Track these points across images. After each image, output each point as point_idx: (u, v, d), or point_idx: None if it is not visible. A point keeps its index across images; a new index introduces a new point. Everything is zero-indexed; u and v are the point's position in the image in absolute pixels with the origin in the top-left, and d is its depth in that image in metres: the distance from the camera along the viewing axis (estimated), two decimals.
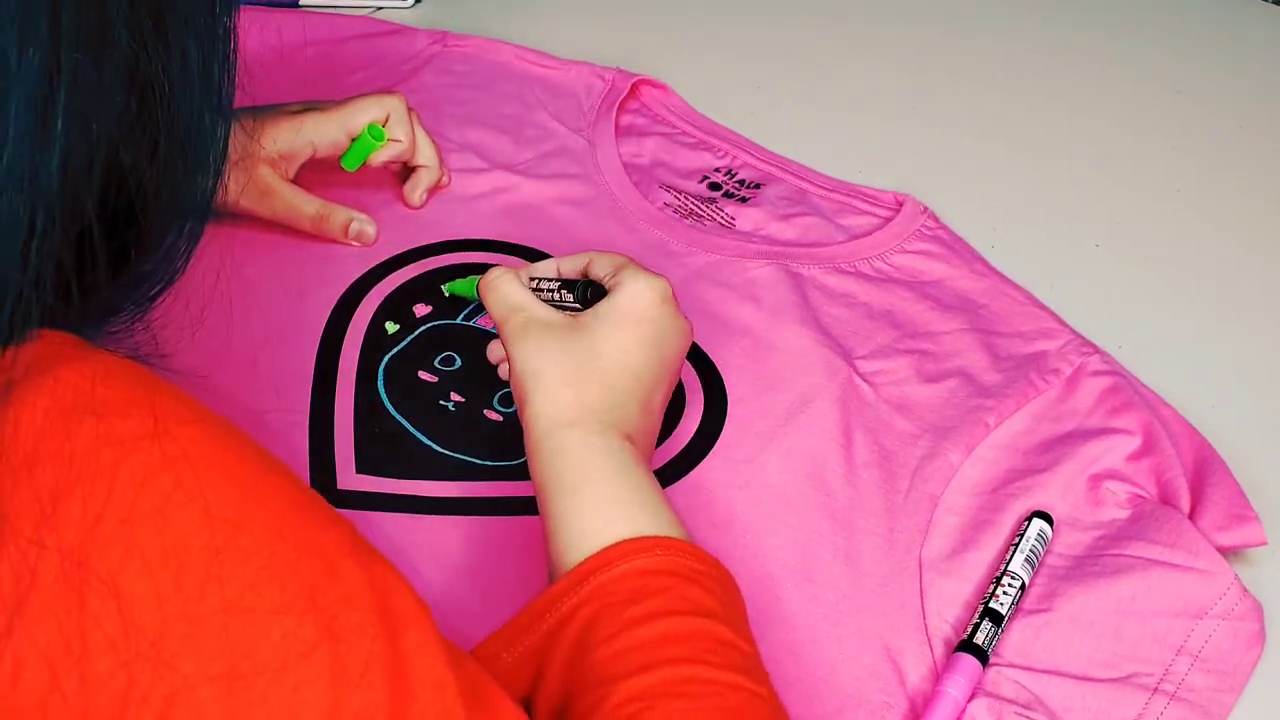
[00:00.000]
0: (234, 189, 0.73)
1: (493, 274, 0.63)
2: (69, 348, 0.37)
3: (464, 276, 0.74)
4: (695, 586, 0.50)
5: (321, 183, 0.78)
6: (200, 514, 0.36)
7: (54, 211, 0.36)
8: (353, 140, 0.76)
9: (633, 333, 0.59)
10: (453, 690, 0.38)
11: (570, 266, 0.65)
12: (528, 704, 0.49)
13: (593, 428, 0.55)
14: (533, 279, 0.64)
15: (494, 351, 0.67)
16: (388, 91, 0.78)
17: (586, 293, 0.62)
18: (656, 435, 0.61)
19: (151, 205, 0.41)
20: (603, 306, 0.60)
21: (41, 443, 0.35)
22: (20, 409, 0.35)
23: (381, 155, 0.77)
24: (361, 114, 0.76)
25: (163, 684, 0.34)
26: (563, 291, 0.63)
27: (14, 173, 0.35)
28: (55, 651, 0.33)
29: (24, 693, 0.33)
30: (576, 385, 0.57)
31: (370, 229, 0.77)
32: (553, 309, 0.61)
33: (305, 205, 0.76)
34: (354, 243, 0.77)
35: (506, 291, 0.62)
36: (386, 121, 0.77)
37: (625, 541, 0.51)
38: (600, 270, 0.63)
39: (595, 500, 0.53)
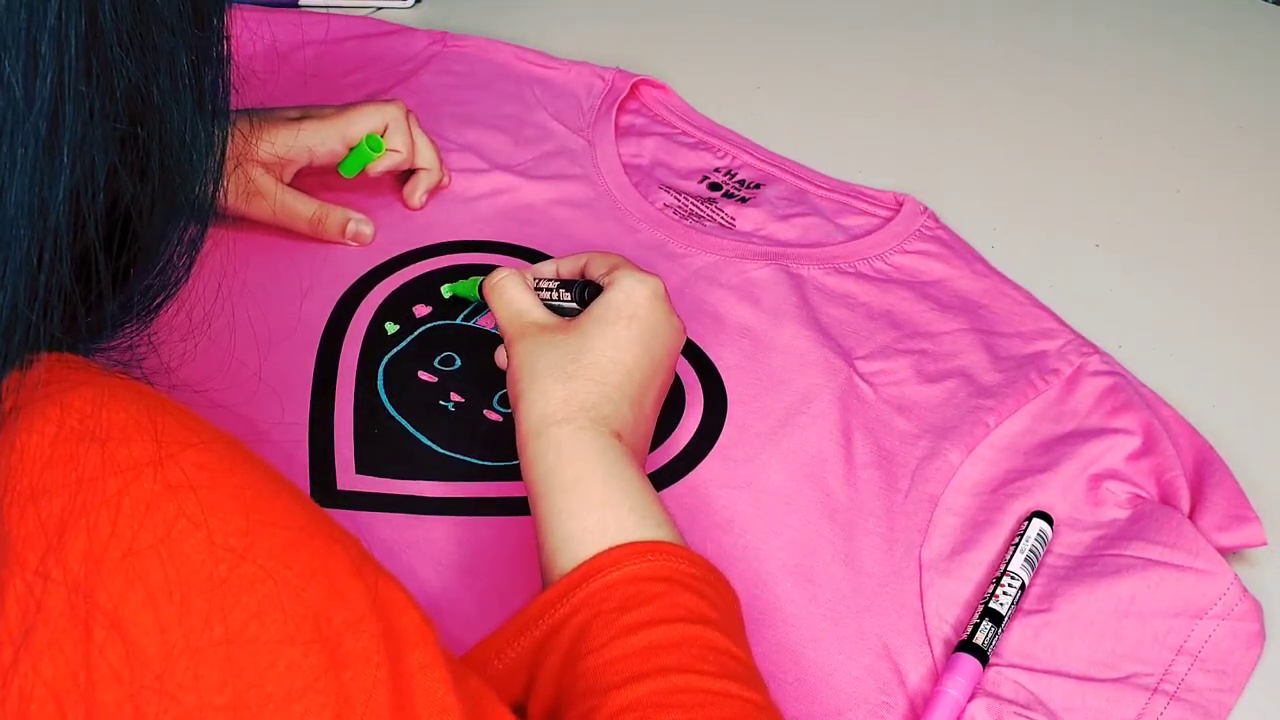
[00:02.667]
0: (229, 192, 0.73)
1: (497, 276, 0.64)
2: (73, 371, 0.37)
3: (463, 277, 0.74)
4: (689, 592, 0.49)
5: (321, 185, 0.78)
6: (204, 543, 0.35)
7: (61, 243, 0.36)
8: (351, 149, 0.76)
9: (625, 330, 0.59)
10: (456, 715, 0.38)
11: (568, 267, 0.66)
12: (521, 711, 0.49)
13: (582, 424, 0.55)
14: (535, 279, 0.65)
15: (501, 356, 0.67)
16: (388, 100, 0.78)
17: (584, 293, 0.62)
18: (650, 434, 0.61)
19: (148, 218, 0.40)
20: (596, 305, 0.60)
21: (48, 472, 0.34)
22: (28, 437, 0.35)
23: (379, 165, 0.77)
24: (360, 123, 0.76)
25: (168, 716, 0.34)
26: (561, 291, 0.64)
27: (22, 207, 0.35)
28: (62, 684, 0.33)
29: None
30: (567, 381, 0.57)
31: (367, 229, 0.77)
32: (550, 311, 0.62)
33: (302, 207, 0.76)
34: (351, 243, 0.77)
35: (511, 295, 0.63)
36: (385, 131, 0.77)
37: (618, 547, 0.50)
38: (597, 270, 0.63)
39: (586, 502, 0.53)
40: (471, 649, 0.51)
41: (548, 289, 0.64)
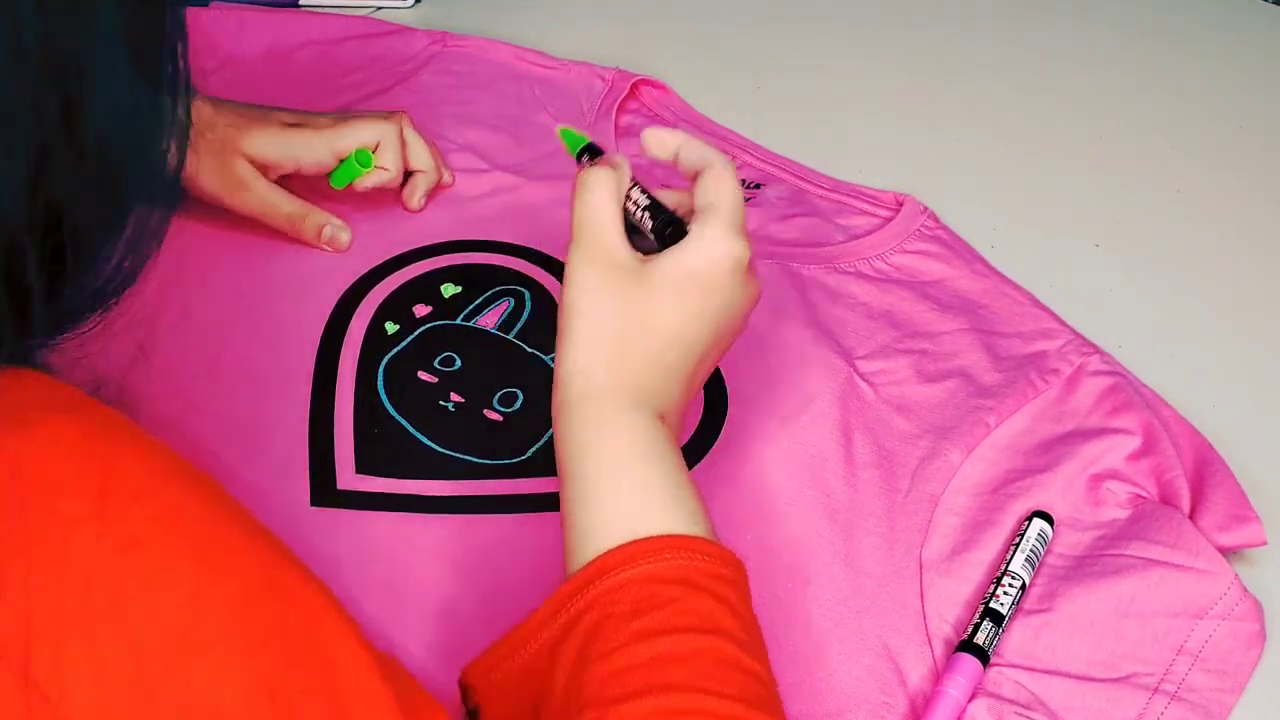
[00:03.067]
0: (210, 176, 0.72)
1: (591, 173, 0.57)
2: (25, 403, 0.35)
3: (463, 277, 0.73)
4: (706, 596, 0.48)
5: (315, 186, 0.78)
6: (150, 610, 0.34)
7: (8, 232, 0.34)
8: (341, 161, 0.76)
9: (695, 303, 0.54)
10: None
11: (686, 163, 0.59)
12: (537, 712, 0.48)
13: (626, 402, 0.53)
14: (631, 184, 0.58)
15: (652, 140, 0.60)
16: (389, 114, 0.78)
17: (665, 232, 0.56)
18: (688, 408, 0.58)
19: (83, 205, 0.38)
20: (671, 260, 0.54)
21: None
22: None
23: (366, 182, 0.76)
24: (352, 137, 0.75)
25: None
26: (645, 215, 0.57)
27: None
28: None
29: None
30: (621, 346, 0.53)
31: (344, 235, 0.76)
32: (627, 243, 0.56)
33: (282, 204, 0.75)
34: (326, 248, 0.76)
35: (596, 201, 0.56)
36: (377, 148, 0.76)
37: (634, 543, 0.49)
38: (704, 195, 0.56)
39: (616, 489, 0.51)
40: (484, 651, 0.50)
41: (636, 205, 0.58)
